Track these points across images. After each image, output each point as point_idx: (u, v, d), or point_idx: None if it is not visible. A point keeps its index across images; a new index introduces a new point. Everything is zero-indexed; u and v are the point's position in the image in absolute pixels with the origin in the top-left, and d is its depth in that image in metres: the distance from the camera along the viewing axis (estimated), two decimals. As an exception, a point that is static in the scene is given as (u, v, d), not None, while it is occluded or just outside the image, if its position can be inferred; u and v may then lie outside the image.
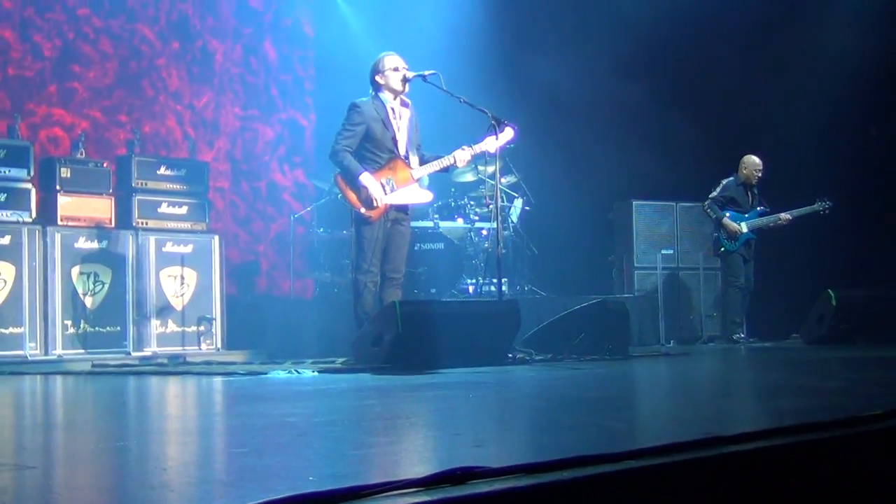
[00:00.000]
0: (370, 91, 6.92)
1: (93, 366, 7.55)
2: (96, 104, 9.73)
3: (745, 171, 9.63)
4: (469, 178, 9.64)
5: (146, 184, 8.76)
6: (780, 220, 9.53)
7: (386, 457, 2.57)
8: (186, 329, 8.70)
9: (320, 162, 10.59)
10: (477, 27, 10.19)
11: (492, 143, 6.81)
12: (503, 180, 9.08)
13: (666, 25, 10.02)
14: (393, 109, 6.87)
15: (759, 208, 9.61)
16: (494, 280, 7.34)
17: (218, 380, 5.95)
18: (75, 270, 8.13)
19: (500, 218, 7.01)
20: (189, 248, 8.82)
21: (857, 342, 8.40)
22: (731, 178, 9.69)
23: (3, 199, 7.90)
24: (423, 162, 6.96)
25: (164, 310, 8.60)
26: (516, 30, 10.88)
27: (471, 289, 9.35)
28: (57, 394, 5.60)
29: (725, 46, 10.43)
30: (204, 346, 8.74)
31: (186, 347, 8.64)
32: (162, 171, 8.88)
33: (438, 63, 7.14)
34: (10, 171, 7.97)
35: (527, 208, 9.76)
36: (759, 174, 9.62)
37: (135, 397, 5.19)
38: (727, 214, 9.55)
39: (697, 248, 10.29)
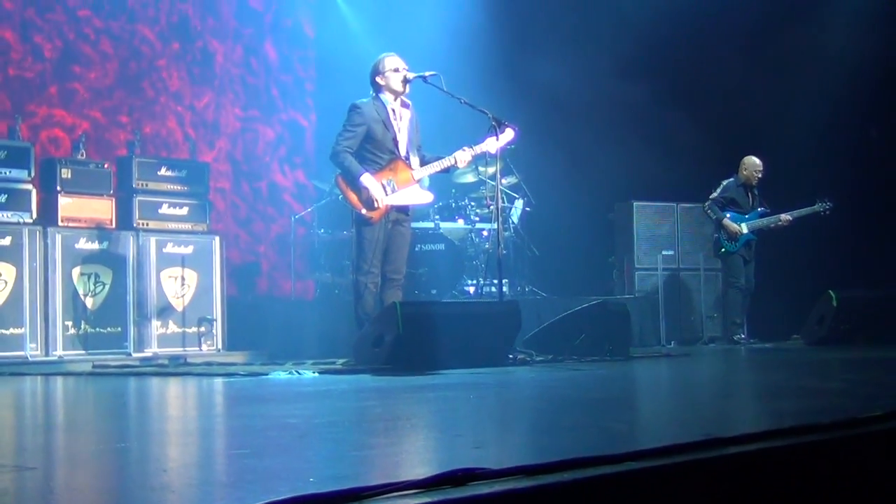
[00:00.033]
0: (371, 92, 6.92)
1: (93, 367, 7.55)
2: (97, 105, 9.73)
3: (745, 172, 9.63)
4: (470, 179, 9.64)
5: (147, 185, 8.76)
6: (780, 220, 9.53)
7: (387, 458, 2.57)
8: (187, 330, 8.70)
9: (321, 163, 10.59)
10: (477, 28, 10.19)
11: (492, 144, 6.82)
12: (504, 181, 9.08)
13: (666, 26, 10.02)
14: (393, 110, 6.88)
15: (759, 209, 9.61)
16: (495, 281, 7.33)
17: (219, 381, 5.96)
18: (76, 271, 8.13)
19: (500, 219, 7.01)
20: (190, 249, 8.82)
21: (858, 343, 8.40)
22: (732, 179, 9.69)
23: (3, 200, 7.90)
24: (423, 163, 6.96)
25: (165, 311, 8.60)
26: (516, 30, 10.88)
27: (471, 290, 9.35)
28: (57, 395, 5.60)
29: (726, 47, 10.42)
30: (205, 347, 8.74)
31: (187, 348, 8.64)
32: (162, 171, 8.88)
33: (439, 64, 7.14)
34: (10, 171, 7.96)
35: (527, 209, 9.76)
36: (759, 175, 9.62)
37: (135, 398, 5.19)
38: (727, 215, 9.55)
39: (698, 248, 10.29)
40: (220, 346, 8.84)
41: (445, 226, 9.20)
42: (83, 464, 2.65)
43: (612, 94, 10.29)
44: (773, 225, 9.55)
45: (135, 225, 8.61)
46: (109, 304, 8.29)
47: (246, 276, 10.78)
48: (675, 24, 10.02)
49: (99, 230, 8.34)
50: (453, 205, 9.39)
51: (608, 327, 7.23)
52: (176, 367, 7.38)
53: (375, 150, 6.81)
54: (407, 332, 5.97)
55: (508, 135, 6.82)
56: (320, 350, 8.26)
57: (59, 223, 8.17)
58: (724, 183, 9.68)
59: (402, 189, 6.82)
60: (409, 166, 6.88)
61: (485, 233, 9.37)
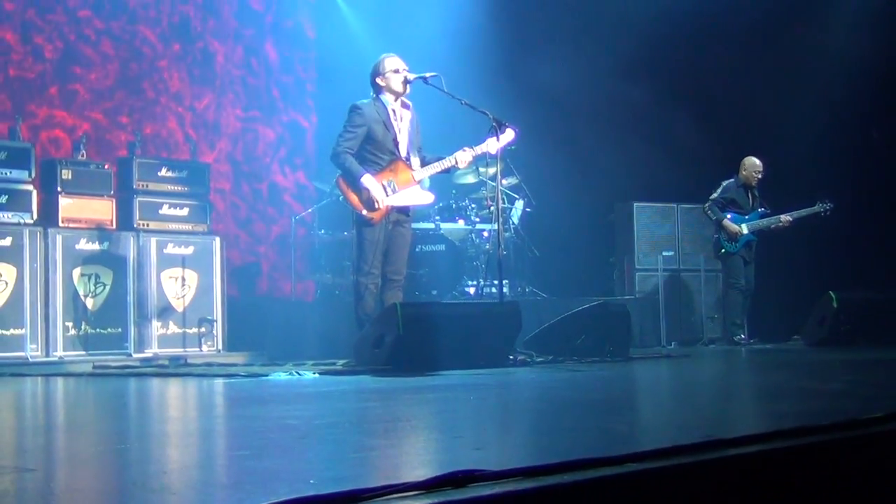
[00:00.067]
0: (371, 93, 6.92)
1: (94, 367, 7.55)
2: (97, 106, 9.73)
3: (744, 173, 9.64)
4: (470, 179, 9.64)
5: (147, 185, 8.76)
6: (780, 221, 9.53)
7: (387, 459, 2.57)
8: (187, 330, 8.70)
9: (321, 163, 10.59)
10: (478, 29, 10.19)
11: (493, 145, 6.82)
12: (504, 182, 9.07)
13: (666, 26, 10.02)
14: (394, 111, 6.88)
15: (759, 210, 9.61)
16: (495, 282, 7.33)
17: (219, 381, 5.96)
18: (76, 272, 8.13)
19: (501, 220, 7.01)
20: (190, 250, 8.82)
21: (858, 344, 8.40)
22: (732, 180, 9.70)
23: (4, 201, 7.90)
24: (424, 163, 6.97)
25: (165, 311, 8.60)
26: (517, 31, 10.88)
27: (472, 290, 9.35)
28: (58, 395, 5.60)
29: (726, 47, 10.43)
30: (205, 348, 8.74)
31: (187, 349, 8.64)
32: (163, 172, 8.88)
33: (439, 65, 7.14)
34: (11, 172, 7.96)
35: (528, 210, 9.76)
36: (759, 176, 9.62)
37: (136, 399, 5.19)
38: (728, 216, 9.56)
39: (698, 249, 10.30)
40: (220, 347, 8.84)
41: (446, 226, 9.20)
42: (83, 465, 2.65)
43: (613, 95, 10.30)
44: (773, 226, 9.55)
45: (135, 226, 8.61)
46: (110, 304, 8.29)
47: (246, 277, 10.78)
48: (676, 25, 10.02)
49: (99, 231, 8.34)
50: (454, 205, 9.39)
51: (608, 328, 7.23)
52: (176, 368, 7.38)
53: (376, 150, 6.82)
54: (407, 333, 5.97)
55: (509, 135, 6.83)
56: (320, 351, 8.26)
57: (60, 224, 8.17)
58: (724, 184, 9.69)
59: (403, 190, 6.82)
60: (410, 167, 6.88)
61: (485, 233, 9.36)
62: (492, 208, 8.79)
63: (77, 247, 8.17)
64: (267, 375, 6.00)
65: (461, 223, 9.35)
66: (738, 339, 9.47)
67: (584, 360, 6.73)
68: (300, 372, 6.07)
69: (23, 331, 7.76)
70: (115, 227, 8.49)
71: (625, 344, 7.35)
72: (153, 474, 2.41)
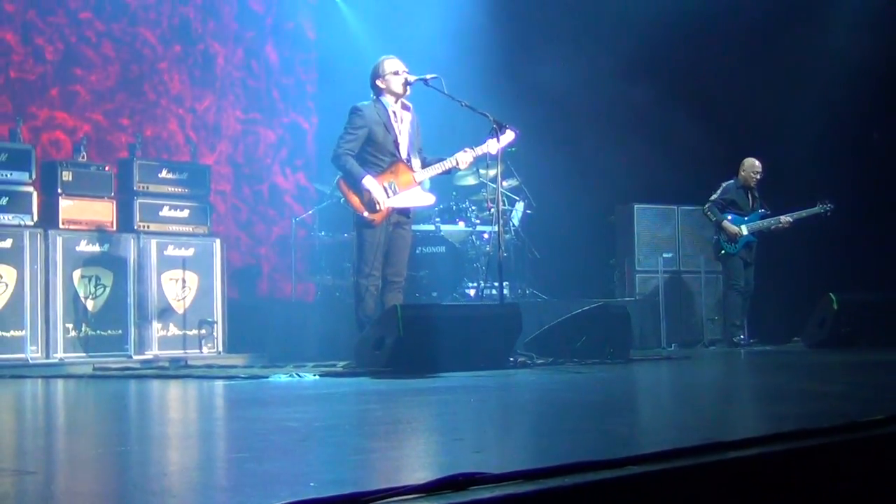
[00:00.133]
0: (371, 95, 6.93)
1: (94, 369, 7.55)
2: (98, 107, 9.73)
3: (743, 174, 9.65)
4: (470, 181, 9.64)
5: (148, 187, 8.76)
6: (780, 222, 9.53)
7: (387, 462, 2.57)
8: (188, 332, 8.70)
9: (322, 165, 10.60)
10: (478, 30, 10.19)
11: (493, 146, 6.83)
12: (504, 184, 9.07)
13: (667, 28, 10.01)
14: (394, 113, 6.88)
15: (759, 211, 9.61)
16: (496, 283, 7.33)
17: (219, 383, 5.96)
18: (77, 274, 8.13)
19: (501, 221, 7.01)
20: (190, 252, 8.82)
21: (859, 346, 8.40)
22: (732, 181, 9.70)
23: (4, 203, 7.90)
24: (424, 165, 6.97)
25: (166, 313, 8.60)
26: (517, 33, 10.88)
27: (472, 292, 9.35)
28: (58, 397, 5.60)
29: (727, 48, 10.43)
30: (205, 350, 8.74)
31: (188, 351, 8.64)
32: (163, 174, 8.88)
33: (440, 66, 7.15)
34: (11, 174, 7.96)
35: (528, 212, 9.76)
36: (758, 176, 9.63)
37: (136, 401, 5.19)
38: (728, 217, 9.56)
39: (699, 251, 10.30)
40: (220, 349, 8.84)
41: (446, 228, 9.20)
42: (84, 467, 2.65)
43: (613, 97, 10.30)
44: (773, 227, 9.55)
45: (136, 227, 8.61)
46: (110, 306, 8.29)
47: (247, 279, 10.78)
48: (676, 26, 10.02)
49: (100, 232, 8.34)
50: (454, 207, 9.39)
51: (609, 330, 7.23)
52: (176, 370, 7.38)
53: (376, 152, 6.82)
54: (408, 335, 5.97)
55: (509, 136, 6.83)
56: (321, 352, 8.26)
57: (60, 226, 8.17)
58: (724, 185, 9.70)
59: (404, 191, 6.82)
60: (411, 168, 6.88)
61: (485, 235, 9.36)
62: (492, 210, 8.81)
63: (77, 248, 8.17)
64: (267, 377, 6.00)
65: (461, 225, 9.35)
66: (738, 339, 9.47)
67: (584, 361, 6.73)
68: (300, 374, 6.07)
69: (23, 332, 7.76)
70: (115, 228, 8.49)
71: (625, 346, 7.35)
72: (153, 476, 2.41)
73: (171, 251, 8.69)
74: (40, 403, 5.29)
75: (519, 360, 6.56)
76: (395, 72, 6.83)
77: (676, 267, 10.29)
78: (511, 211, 9.59)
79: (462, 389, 4.99)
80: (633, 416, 3.88)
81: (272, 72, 11.33)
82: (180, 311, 8.70)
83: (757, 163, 9.62)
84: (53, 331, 7.93)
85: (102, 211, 8.44)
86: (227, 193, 10.71)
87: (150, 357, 8.34)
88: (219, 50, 10.82)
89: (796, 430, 2.62)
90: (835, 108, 9.83)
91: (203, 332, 8.75)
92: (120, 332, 8.30)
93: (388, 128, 6.83)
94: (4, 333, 7.69)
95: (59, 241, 8.07)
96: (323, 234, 9.92)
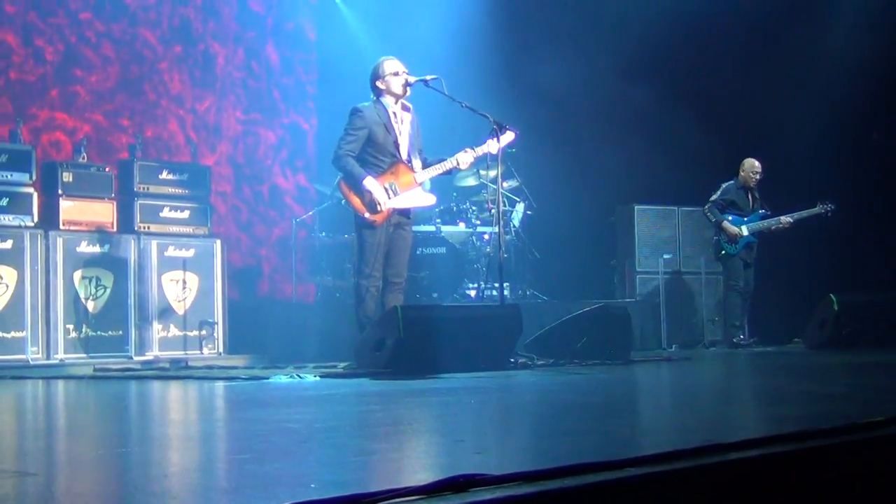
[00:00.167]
0: (371, 96, 6.93)
1: (94, 370, 7.54)
2: (98, 108, 9.73)
3: (743, 174, 9.66)
4: (471, 182, 9.65)
5: (148, 188, 8.76)
6: (780, 223, 9.53)
7: (388, 463, 2.57)
8: (188, 333, 8.70)
9: (322, 166, 10.59)
10: (478, 31, 10.20)
11: (493, 146, 6.83)
12: (505, 185, 9.07)
13: (667, 28, 10.01)
14: (395, 113, 6.89)
15: (760, 211, 9.62)
16: (496, 284, 7.33)
17: (220, 384, 5.96)
18: (77, 275, 8.13)
19: (501, 222, 7.01)
20: (191, 253, 8.82)
21: (859, 347, 8.40)
22: (731, 182, 9.71)
23: (5, 204, 7.90)
24: (425, 165, 6.98)
25: (166, 314, 8.60)
26: (517, 33, 10.88)
27: (472, 293, 9.35)
28: (58, 398, 5.60)
29: (727, 49, 10.44)
30: (206, 351, 8.74)
31: (188, 351, 8.64)
32: (164, 175, 8.88)
33: (440, 66, 7.15)
34: (12, 175, 7.96)
35: (528, 212, 9.76)
36: (757, 177, 9.63)
37: (136, 402, 5.19)
38: (729, 218, 9.56)
39: (699, 252, 10.30)
40: (221, 350, 8.84)
41: (447, 229, 9.20)
42: (84, 469, 2.65)
43: (613, 97, 10.31)
44: (773, 227, 9.55)
45: (136, 228, 8.61)
46: (110, 307, 8.29)
47: (247, 280, 10.78)
48: (676, 26, 10.02)
49: (100, 233, 8.34)
50: (454, 208, 9.39)
51: (609, 331, 7.23)
52: (177, 371, 7.38)
53: (377, 153, 6.82)
54: (408, 336, 5.97)
55: (509, 137, 6.83)
56: (321, 353, 8.26)
57: (61, 226, 8.17)
58: (724, 185, 9.70)
59: (405, 192, 6.83)
60: (411, 169, 6.89)
61: (486, 236, 9.36)
62: (492, 211, 8.81)
63: (78, 249, 8.17)
64: (268, 378, 6.00)
65: (462, 226, 9.35)
66: (738, 340, 9.47)
67: (584, 362, 6.73)
68: (301, 375, 6.07)
69: (23, 333, 7.76)
70: (115, 229, 8.49)
71: (625, 347, 7.35)
72: (154, 478, 2.41)
73: (171, 252, 8.69)
74: (41, 404, 5.29)
75: (519, 361, 6.56)
76: (395, 73, 6.83)
77: (677, 268, 10.29)
78: (511, 212, 9.60)
79: (462, 390, 4.99)
80: (634, 417, 3.88)
81: (272, 72, 11.33)
82: (181, 312, 8.70)
83: (757, 163, 9.62)
84: (54, 332, 7.93)
85: (103, 212, 8.44)
86: (228, 194, 10.71)
87: (150, 358, 8.34)
88: (219, 50, 10.82)
89: (797, 431, 2.62)
90: (835, 108, 9.82)
91: (203, 333, 8.75)
92: (120, 333, 8.30)
93: (388, 129, 6.83)
94: (5, 334, 7.69)
95: (60, 242, 8.07)
96: (323, 234, 9.92)
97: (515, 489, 1.99)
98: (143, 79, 10.12)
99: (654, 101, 10.11)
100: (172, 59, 10.39)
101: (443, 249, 9.03)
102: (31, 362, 7.70)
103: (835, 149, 9.87)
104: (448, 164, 6.95)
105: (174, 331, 8.63)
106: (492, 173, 8.24)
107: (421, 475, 2.33)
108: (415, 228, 7.74)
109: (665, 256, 10.14)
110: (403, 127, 6.91)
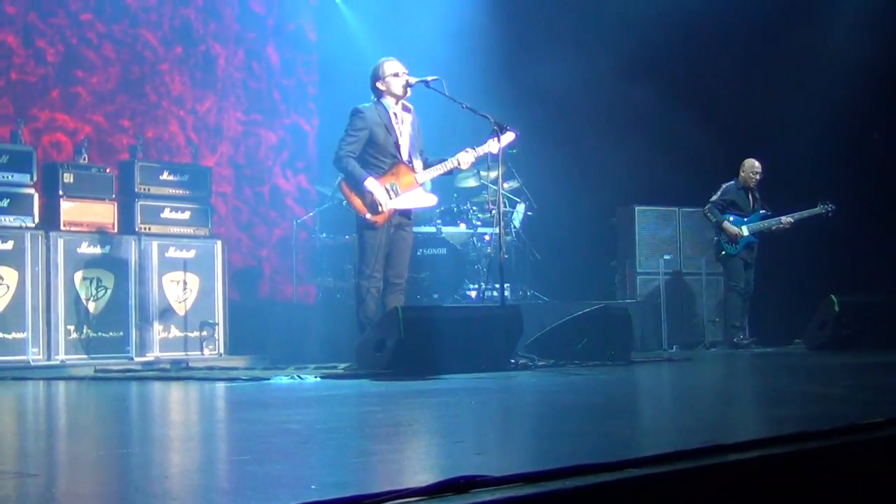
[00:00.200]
0: (372, 97, 6.93)
1: (95, 371, 7.55)
2: (99, 109, 9.74)
3: (743, 175, 9.66)
4: (471, 183, 9.65)
5: (149, 189, 8.76)
6: (781, 223, 9.53)
7: (388, 465, 2.57)
8: (189, 334, 8.70)
9: (323, 167, 10.60)
10: (478, 31, 10.20)
11: (494, 146, 6.83)
12: (505, 185, 9.07)
13: (667, 28, 10.01)
14: (395, 114, 6.89)
15: (760, 212, 9.62)
16: (497, 285, 7.33)
17: (220, 385, 5.96)
18: (78, 275, 8.13)
19: (502, 223, 7.02)
20: (192, 253, 8.82)
21: (860, 348, 8.39)
22: (732, 182, 9.71)
23: (5, 205, 7.91)
24: (426, 166, 6.98)
25: (167, 315, 8.60)
26: (517, 33, 10.88)
27: (473, 294, 9.35)
28: (59, 399, 5.61)
29: (728, 49, 10.44)
30: (206, 352, 8.74)
31: (189, 352, 8.63)
32: (165, 176, 8.88)
33: (440, 67, 7.16)
34: (12, 176, 7.97)
35: (529, 213, 9.76)
36: (757, 177, 9.63)
37: (137, 403, 5.19)
38: (729, 218, 9.56)
39: (700, 253, 10.30)
40: (221, 351, 8.84)
41: (447, 230, 9.20)
42: (85, 470, 2.66)
43: (613, 97, 10.31)
44: (773, 227, 9.56)
45: (137, 229, 8.61)
46: (111, 308, 8.29)
47: (248, 280, 10.78)
48: (676, 26, 10.02)
49: (101, 234, 8.34)
50: (455, 209, 9.39)
51: (610, 332, 7.23)
52: (178, 372, 7.39)
53: (378, 154, 6.83)
54: (409, 337, 5.97)
55: (509, 137, 6.84)
56: (322, 354, 8.27)
57: (62, 227, 8.17)
58: (724, 186, 9.71)
59: (406, 192, 6.83)
60: (412, 170, 6.89)
61: (486, 237, 9.36)
62: (493, 212, 8.81)
63: (79, 250, 8.17)
64: (268, 379, 6.00)
65: (462, 227, 9.35)
66: (738, 339, 9.47)
67: (585, 363, 6.73)
68: (301, 376, 6.07)
69: (24, 334, 7.76)
70: (116, 230, 8.49)
71: (626, 348, 7.35)
72: (154, 479, 2.41)
73: (172, 253, 8.69)
74: (41, 405, 5.29)
75: (520, 361, 6.56)
76: (396, 74, 6.84)
77: (677, 268, 10.29)
78: (512, 212, 9.60)
79: (463, 391, 4.99)
80: (634, 418, 3.88)
81: (273, 73, 11.33)
82: (181, 312, 8.70)
83: (757, 163, 9.62)
84: (55, 333, 7.93)
85: (103, 213, 8.44)
86: (229, 195, 10.71)
87: (151, 359, 8.34)
88: (220, 51, 10.82)
89: (797, 432, 2.62)
90: (835, 108, 9.82)
91: (204, 333, 8.75)
92: (121, 333, 8.30)
93: (389, 129, 6.83)
94: (6, 335, 7.69)
95: (61, 242, 8.07)
96: (324, 235, 9.92)
97: (516, 490, 1.99)
98: (143, 80, 10.12)
99: (654, 101, 10.11)
100: (173, 60, 10.39)
101: (443, 250, 9.03)
102: (32, 363, 7.70)
103: (835, 149, 9.87)
104: (449, 164, 6.95)
105: (175, 332, 8.63)
106: (492, 174, 8.24)
107: (422, 476, 2.33)
108: (415, 229, 7.74)
109: (665, 257, 10.14)
110: (404, 128, 6.91)
